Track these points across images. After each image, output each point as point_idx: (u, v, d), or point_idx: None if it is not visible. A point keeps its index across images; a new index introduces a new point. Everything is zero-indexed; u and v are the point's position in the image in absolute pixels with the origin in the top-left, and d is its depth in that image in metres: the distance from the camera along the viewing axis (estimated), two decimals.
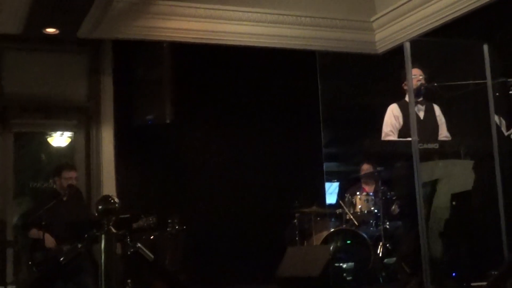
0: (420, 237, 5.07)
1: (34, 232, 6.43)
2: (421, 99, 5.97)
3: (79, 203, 6.95)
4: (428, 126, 5.91)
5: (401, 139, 5.85)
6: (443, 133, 6.01)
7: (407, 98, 6.02)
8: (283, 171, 8.99)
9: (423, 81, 5.87)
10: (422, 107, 5.98)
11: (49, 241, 6.40)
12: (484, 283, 4.69)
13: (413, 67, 5.88)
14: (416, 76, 5.86)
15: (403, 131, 5.87)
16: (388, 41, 8.73)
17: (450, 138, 5.97)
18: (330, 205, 8.42)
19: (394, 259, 7.04)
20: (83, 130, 8.35)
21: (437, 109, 6.09)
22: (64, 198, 6.71)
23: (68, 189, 6.71)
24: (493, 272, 4.50)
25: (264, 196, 8.83)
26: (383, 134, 6.04)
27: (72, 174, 6.83)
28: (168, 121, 8.03)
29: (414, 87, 5.73)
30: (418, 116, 5.89)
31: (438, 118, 6.05)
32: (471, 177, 5.56)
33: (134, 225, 6.88)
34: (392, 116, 6.01)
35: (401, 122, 5.95)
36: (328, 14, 8.69)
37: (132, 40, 8.02)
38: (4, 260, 7.35)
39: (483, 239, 7.16)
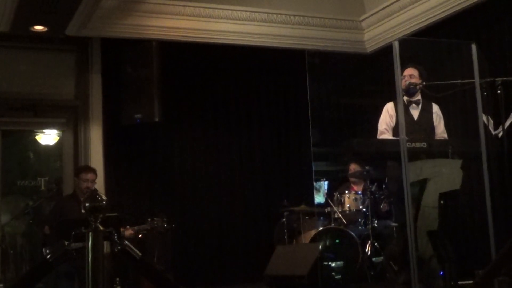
0: (408, 236, 5.08)
1: (47, 229, 6.55)
2: (417, 98, 5.99)
3: None
4: (423, 125, 5.92)
5: (391, 138, 5.87)
6: (439, 132, 6.02)
7: (404, 97, 6.03)
8: (272, 170, 9.01)
9: (417, 80, 5.89)
10: (418, 107, 5.99)
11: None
12: (471, 282, 4.70)
13: (408, 66, 5.91)
14: (405, 76, 5.88)
15: (397, 130, 5.87)
16: (377, 40, 8.75)
17: (446, 137, 5.98)
18: (319, 204, 8.43)
19: (382, 257, 7.07)
20: (71, 128, 8.33)
21: (435, 106, 6.09)
22: (82, 199, 6.75)
23: (83, 191, 6.77)
24: (479, 271, 4.52)
25: (253, 195, 8.85)
26: (378, 132, 6.06)
27: (90, 176, 6.84)
28: (156, 120, 8.01)
29: (403, 86, 5.76)
30: (411, 116, 5.91)
31: (435, 116, 6.05)
32: (459, 176, 5.57)
33: (137, 228, 6.90)
34: (388, 115, 6.04)
35: (395, 121, 5.96)
36: (318, 13, 8.70)
37: (121, 38, 8.00)
38: None
39: (471, 238, 7.20)
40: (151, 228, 6.96)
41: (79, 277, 6.26)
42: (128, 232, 6.82)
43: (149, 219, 7.01)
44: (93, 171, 7.09)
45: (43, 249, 6.50)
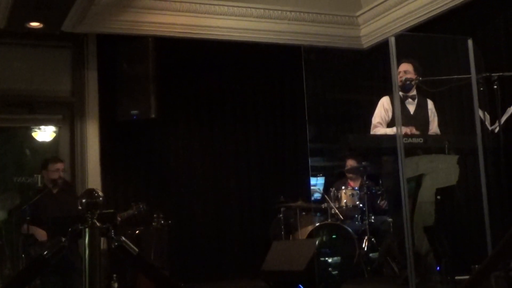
0: (404, 232, 5.08)
1: (26, 227, 6.38)
2: (413, 93, 5.99)
3: (71, 196, 6.91)
4: (419, 121, 5.91)
5: (386, 133, 5.86)
6: (433, 128, 6.02)
7: (400, 92, 6.02)
8: (269, 166, 9.02)
9: (412, 75, 5.88)
10: (414, 102, 5.99)
11: (41, 235, 6.38)
12: (468, 277, 4.71)
13: (403, 61, 5.90)
14: (400, 72, 5.87)
15: (392, 124, 5.87)
16: (373, 36, 8.75)
17: (438, 133, 5.98)
18: (316, 199, 8.43)
19: (378, 253, 7.10)
20: (67, 125, 8.32)
21: (430, 103, 6.10)
22: (54, 191, 6.68)
23: (57, 182, 6.68)
24: (476, 266, 4.53)
25: (249, 191, 8.85)
26: (372, 126, 6.05)
27: (59, 166, 6.80)
28: (153, 116, 8.01)
29: (399, 82, 5.75)
30: (408, 111, 5.91)
31: (429, 113, 6.05)
32: (455, 172, 5.58)
33: (125, 214, 6.86)
34: (383, 109, 6.02)
35: (390, 115, 5.95)
36: (314, 9, 8.69)
37: (117, 34, 7.98)
38: None
39: (467, 233, 7.21)
40: (138, 213, 6.92)
41: (66, 272, 6.25)
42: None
43: (132, 203, 6.97)
44: (61, 160, 7.04)
45: (24, 250, 6.32)
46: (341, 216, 7.56)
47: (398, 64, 5.80)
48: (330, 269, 7.13)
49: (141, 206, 6.93)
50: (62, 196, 6.72)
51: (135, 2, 7.86)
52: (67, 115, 8.33)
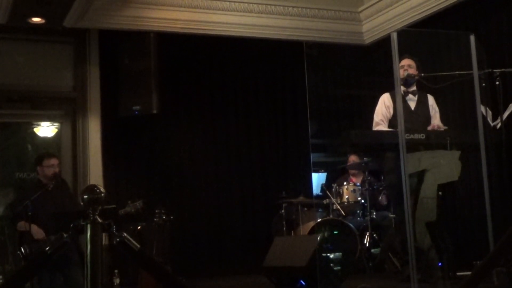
0: (406, 228, 5.08)
1: (23, 224, 6.33)
2: (413, 89, 5.98)
3: (65, 192, 6.89)
4: (420, 116, 5.90)
5: (389, 129, 5.86)
6: (435, 123, 6.01)
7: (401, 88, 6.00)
8: (270, 161, 9.02)
9: (414, 71, 5.88)
10: (414, 98, 5.98)
11: (38, 232, 6.35)
12: (470, 273, 4.72)
13: (404, 57, 5.90)
14: (404, 66, 5.86)
15: (394, 121, 5.86)
16: (375, 31, 8.74)
17: (441, 128, 5.97)
18: (317, 195, 8.44)
19: (380, 248, 7.10)
20: (69, 120, 8.32)
21: (430, 99, 6.08)
22: (49, 188, 6.64)
23: (53, 177, 6.64)
24: (478, 262, 4.53)
25: (251, 187, 8.86)
26: (373, 123, 6.03)
27: (54, 161, 6.73)
28: (154, 112, 8.01)
29: (401, 77, 5.74)
30: (409, 107, 5.89)
31: (430, 108, 6.04)
32: (457, 168, 5.57)
33: (122, 212, 6.82)
34: (383, 106, 6.00)
35: (392, 112, 5.94)
36: (316, 4, 8.68)
37: (119, 30, 7.98)
38: None
39: (469, 229, 7.21)
40: (135, 211, 6.87)
41: (65, 267, 6.23)
42: None
43: (129, 201, 6.94)
44: (55, 156, 6.99)
45: (21, 248, 6.26)
46: (343, 212, 7.57)
47: (402, 58, 5.80)
48: (331, 265, 7.12)
49: (137, 204, 6.87)
50: (56, 192, 6.68)
51: None
52: (69, 110, 8.33)
